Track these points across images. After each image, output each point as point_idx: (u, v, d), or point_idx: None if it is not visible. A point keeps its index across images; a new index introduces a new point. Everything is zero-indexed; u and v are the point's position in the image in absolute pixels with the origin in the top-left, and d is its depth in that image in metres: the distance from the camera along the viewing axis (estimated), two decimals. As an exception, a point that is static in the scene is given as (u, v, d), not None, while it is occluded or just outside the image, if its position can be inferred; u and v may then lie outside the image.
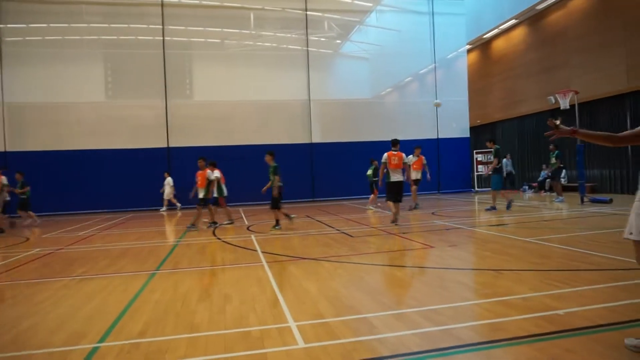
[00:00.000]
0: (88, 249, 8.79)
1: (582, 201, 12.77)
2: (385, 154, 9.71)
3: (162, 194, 16.86)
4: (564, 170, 17.71)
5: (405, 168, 9.85)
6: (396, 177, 9.60)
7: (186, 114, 18.32)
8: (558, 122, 3.33)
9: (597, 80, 15.84)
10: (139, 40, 18.89)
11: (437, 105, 17.06)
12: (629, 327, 3.34)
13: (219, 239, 8.92)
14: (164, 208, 16.91)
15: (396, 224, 9.62)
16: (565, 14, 17.33)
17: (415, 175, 13.02)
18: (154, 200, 17.51)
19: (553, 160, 14.18)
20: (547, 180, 18.06)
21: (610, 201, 12.40)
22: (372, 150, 19.17)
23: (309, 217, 12.52)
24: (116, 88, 18.39)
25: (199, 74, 18.87)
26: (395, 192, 9.66)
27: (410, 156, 12.69)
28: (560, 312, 3.68)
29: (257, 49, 19.80)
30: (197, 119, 18.42)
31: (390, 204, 9.78)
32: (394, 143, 9.78)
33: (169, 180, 16.78)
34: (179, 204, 16.79)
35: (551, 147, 14.26)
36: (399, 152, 9.66)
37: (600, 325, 3.38)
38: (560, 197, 13.61)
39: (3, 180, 11.88)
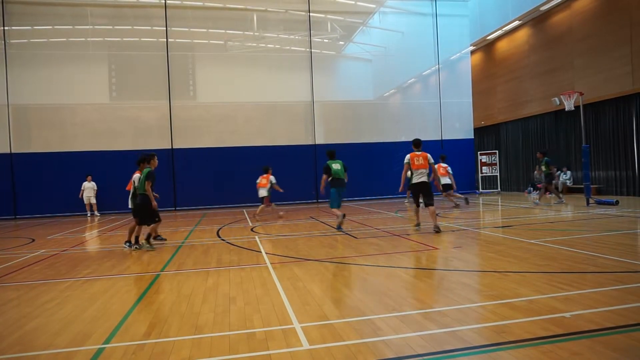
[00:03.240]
0: (93, 250, 8.82)
1: (588, 203, 12.70)
2: (408, 155, 8.97)
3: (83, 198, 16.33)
4: (568, 173, 17.65)
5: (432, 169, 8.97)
6: (419, 178, 8.85)
7: (190, 116, 18.38)
8: None
9: (602, 81, 15.76)
10: (142, 42, 18.98)
11: None
12: (636, 330, 3.32)
13: (223, 240, 8.93)
14: (96, 212, 16.54)
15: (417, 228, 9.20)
16: (569, 14, 17.26)
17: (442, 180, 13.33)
18: (158, 201, 17.54)
19: (544, 168, 13.98)
20: (552, 182, 17.98)
21: (616, 203, 12.33)
22: (376, 151, 19.26)
23: (312, 218, 12.51)
24: (120, 89, 18.48)
25: (202, 75, 18.93)
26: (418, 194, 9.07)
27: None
28: (567, 314, 3.66)
29: (260, 51, 19.85)
30: (200, 120, 18.48)
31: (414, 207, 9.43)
32: (417, 144, 9.03)
33: (93, 185, 16.44)
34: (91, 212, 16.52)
35: (538, 154, 14.03)
36: (423, 152, 8.93)
37: (607, 328, 3.35)
38: (560, 199, 13.64)
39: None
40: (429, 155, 8.94)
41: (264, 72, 19.24)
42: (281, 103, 19.00)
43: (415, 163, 8.88)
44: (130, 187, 8.81)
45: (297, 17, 19.50)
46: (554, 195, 14.25)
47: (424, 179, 8.86)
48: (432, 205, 8.96)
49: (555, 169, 13.99)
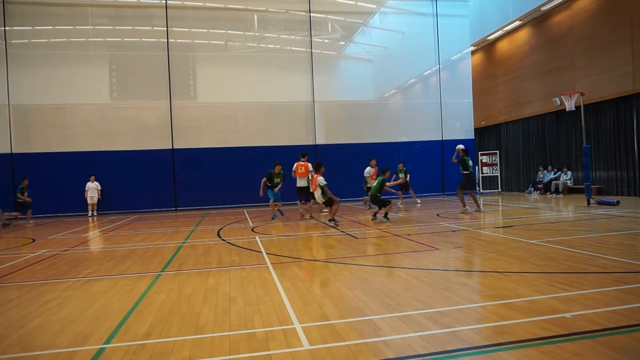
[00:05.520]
0: (93, 250, 8.84)
1: (589, 203, 12.69)
2: (295, 164, 12.49)
3: (87, 198, 16.38)
4: (569, 173, 17.63)
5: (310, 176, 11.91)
6: (302, 183, 12.35)
7: (190, 116, 18.38)
8: None
9: (603, 81, 15.76)
10: (143, 42, 18.98)
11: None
12: (637, 330, 3.31)
13: (223, 240, 8.94)
14: (94, 213, 16.55)
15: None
16: (570, 14, 17.26)
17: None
18: (159, 201, 17.60)
19: (401, 175, 15.04)
20: (553, 182, 18.00)
21: (617, 203, 12.32)
22: (376, 151, 19.23)
23: (313, 218, 12.51)
24: (121, 89, 18.49)
25: (203, 75, 18.94)
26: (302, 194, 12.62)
27: (369, 168, 14.06)
28: (568, 315, 3.66)
29: (261, 51, 19.85)
30: (201, 120, 18.49)
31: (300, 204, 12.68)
32: (303, 154, 12.65)
33: (97, 185, 16.52)
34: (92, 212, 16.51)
35: (462, 151, 12.28)
36: (305, 163, 12.34)
37: (608, 328, 3.35)
38: (465, 208, 12.16)
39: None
40: (309, 164, 12.09)
41: (264, 72, 19.24)
42: (282, 103, 19.00)
43: (299, 171, 12.19)
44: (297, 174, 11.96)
45: (297, 17, 19.50)
46: (460, 201, 12.51)
47: (304, 184, 12.33)
48: (307, 203, 12.77)
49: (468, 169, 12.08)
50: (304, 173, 12.46)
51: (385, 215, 10.66)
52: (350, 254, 6.89)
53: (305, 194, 12.65)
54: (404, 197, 16.60)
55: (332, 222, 10.32)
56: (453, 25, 20.53)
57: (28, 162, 16.78)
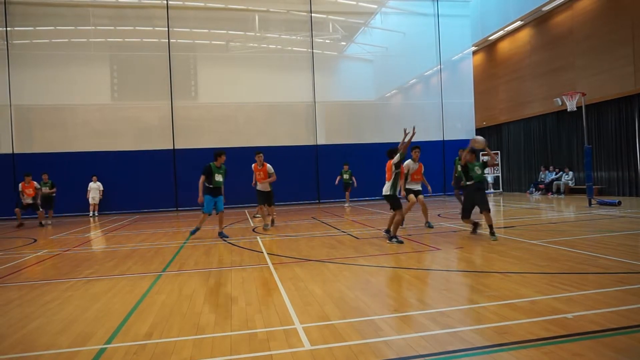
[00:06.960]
0: (95, 250, 8.84)
1: (590, 203, 12.67)
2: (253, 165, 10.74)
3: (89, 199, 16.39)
4: (570, 173, 17.61)
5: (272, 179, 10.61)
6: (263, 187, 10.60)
7: (191, 116, 18.40)
8: None
9: (604, 81, 15.73)
10: (144, 42, 19.01)
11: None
12: (638, 331, 3.31)
13: (224, 240, 8.94)
14: (95, 213, 16.54)
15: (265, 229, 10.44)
16: (571, 15, 17.23)
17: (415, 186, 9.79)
18: (160, 201, 17.61)
19: (346, 176, 15.32)
20: (554, 182, 17.97)
21: (619, 204, 12.30)
22: (377, 152, 19.23)
23: (314, 218, 12.51)
24: (122, 90, 18.50)
25: (204, 75, 18.95)
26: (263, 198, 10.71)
27: (409, 161, 9.63)
28: (569, 315, 3.65)
29: (262, 51, 19.87)
30: (202, 120, 18.50)
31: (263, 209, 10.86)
32: (258, 153, 10.66)
33: (99, 185, 16.58)
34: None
35: (460, 151, 10.46)
36: (265, 167, 10.54)
37: (609, 329, 3.35)
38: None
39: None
40: (270, 166, 10.56)
41: (265, 73, 19.25)
42: (283, 103, 19.01)
43: (258, 176, 10.56)
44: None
45: (298, 17, 19.51)
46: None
47: (265, 187, 10.61)
48: (271, 206, 10.85)
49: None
50: (263, 178, 10.48)
51: (491, 231, 7.65)
52: (351, 254, 6.89)
53: (267, 199, 10.62)
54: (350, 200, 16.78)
55: (394, 239, 7.68)
56: (454, 26, 20.53)
57: (29, 163, 16.78)
